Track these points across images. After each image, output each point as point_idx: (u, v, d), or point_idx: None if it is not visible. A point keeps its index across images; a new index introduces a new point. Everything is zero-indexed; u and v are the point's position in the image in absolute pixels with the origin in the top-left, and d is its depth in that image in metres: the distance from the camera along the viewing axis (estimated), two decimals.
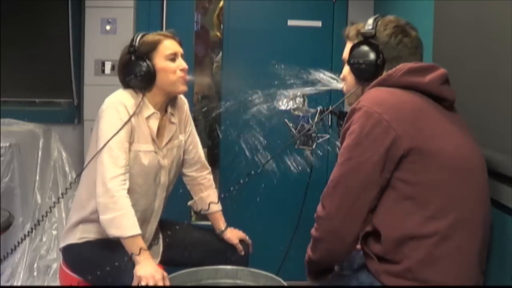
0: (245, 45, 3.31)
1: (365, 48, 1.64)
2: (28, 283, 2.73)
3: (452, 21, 2.04)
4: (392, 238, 1.50)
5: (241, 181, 1.88)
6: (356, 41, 1.67)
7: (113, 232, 1.85)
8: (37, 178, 2.87)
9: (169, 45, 1.97)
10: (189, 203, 2.26)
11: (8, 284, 2.68)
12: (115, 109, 1.90)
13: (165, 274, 1.84)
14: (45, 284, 2.78)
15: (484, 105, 1.75)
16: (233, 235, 2.21)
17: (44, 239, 2.85)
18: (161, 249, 2.15)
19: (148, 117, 1.96)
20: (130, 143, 1.92)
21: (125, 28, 3.16)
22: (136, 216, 1.87)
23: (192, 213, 3.54)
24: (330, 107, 2.85)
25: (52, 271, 2.79)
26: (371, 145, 1.48)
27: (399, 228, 1.49)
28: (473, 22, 1.84)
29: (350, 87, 1.72)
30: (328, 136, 2.32)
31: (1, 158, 2.62)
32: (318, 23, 3.28)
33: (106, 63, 3.15)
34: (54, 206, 2.12)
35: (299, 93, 2.26)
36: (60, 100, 3.25)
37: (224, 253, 2.15)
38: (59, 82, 3.20)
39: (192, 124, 2.21)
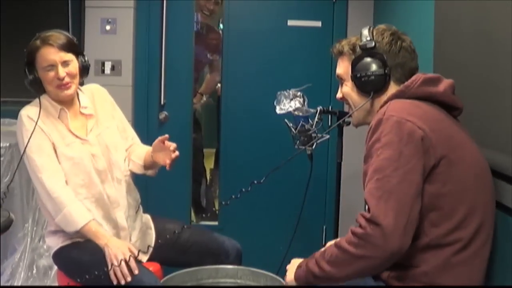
0: (245, 45, 3.31)
1: (369, 59, 1.61)
2: (28, 283, 2.73)
3: (452, 21, 2.04)
4: (415, 247, 1.48)
5: (244, 190, 1.88)
6: (354, 55, 1.64)
7: (69, 229, 1.97)
8: None
9: (45, 55, 1.97)
10: (129, 167, 2.20)
11: (8, 284, 2.68)
12: (21, 123, 2.00)
13: (130, 245, 1.99)
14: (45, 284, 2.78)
15: (484, 105, 1.75)
16: (154, 146, 2.12)
17: (44, 239, 2.84)
18: (152, 243, 2.18)
19: (59, 116, 2.04)
20: (53, 144, 2.00)
21: (125, 28, 3.17)
22: (93, 205, 2.02)
23: (192, 213, 3.55)
24: (330, 107, 2.86)
25: (52, 272, 2.78)
26: (413, 153, 1.43)
27: (424, 239, 1.48)
28: (473, 22, 1.84)
29: (357, 103, 1.67)
30: (328, 136, 2.32)
31: (1, 158, 2.62)
32: (318, 23, 3.29)
33: (106, 63, 3.15)
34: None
35: (299, 93, 2.25)
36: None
37: (218, 255, 2.16)
38: None
39: (119, 110, 2.23)
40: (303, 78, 2.51)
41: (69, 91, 2.02)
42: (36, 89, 2.03)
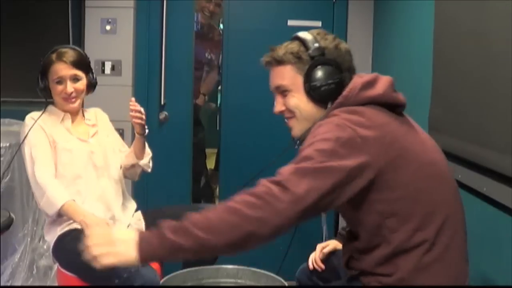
0: (245, 45, 3.31)
1: (325, 67, 1.50)
2: (28, 283, 2.73)
3: (452, 21, 2.04)
4: (381, 256, 1.45)
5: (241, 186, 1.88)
6: (303, 64, 1.52)
7: (50, 211, 2.05)
8: None
9: (56, 70, 2.13)
10: (124, 163, 2.31)
11: (8, 284, 2.68)
12: (24, 124, 2.17)
13: (106, 220, 2.06)
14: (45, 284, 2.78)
15: (484, 104, 1.75)
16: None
17: (44, 239, 2.84)
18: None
19: (62, 121, 2.20)
20: (54, 141, 2.13)
21: (125, 28, 3.17)
22: (92, 199, 2.12)
23: None
24: None
25: (52, 272, 2.78)
26: (345, 156, 1.35)
27: (387, 247, 1.44)
28: (473, 22, 1.84)
29: (309, 115, 1.55)
30: None
31: (1, 158, 2.62)
32: (318, 23, 3.28)
33: (106, 63, 3.15)
34: None
35: None
36: None
37: None
38: None
39: (116, 133, 2.39)
40: None
41: (74, 105, 2.17)
42: (45, 96, 2.19)
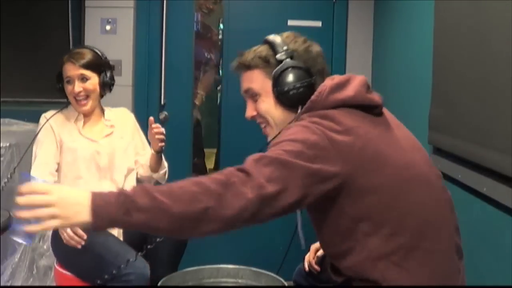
0: (245, 45, 3.30)
1: (294, 71, 1.46)
2: (28, 283, 2.73)
3: (452, 21, 2.04)
4: (359, 261, 1.39)
5: None
6: (270, 68, 1.48)
7: None
8: None
9: (66, 70, 2.17)
10: (138, 177, 2.33)
11: (8, 284, 2.68)
12: (39, 123, 2.22)
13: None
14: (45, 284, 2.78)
15: (484, 104, 1.75)
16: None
17: (44, 239, 2.85)
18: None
19: (75, 121, 2.23)
20: (61, 145, 2.16)
21: (125, 28, 3.17)
22: None
23: None
24: None
25: (52, 272, 2.78)
26: (312, 158, 1.30)
27: (362, 251, 1.38)
28: (473, 23, 1.84)
29: (280, 120, 1.51)
30: None
31: (1, 158, 2.62)
32: (318, 23, 3.29)
33: None
34: None
35: None
36: (60, 100, 3.24)
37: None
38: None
39: (141, 134, 2.37)
40: None
41: (85, 108, 2.20)
42: (62, 96, 2.24)
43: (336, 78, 1.46)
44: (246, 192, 1.25)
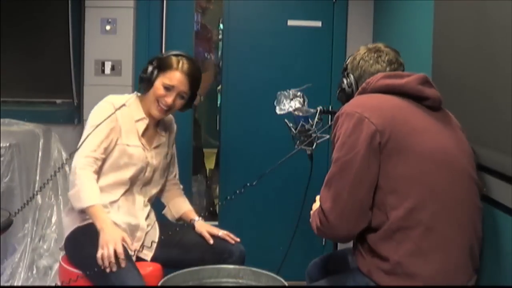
0: (245, 45, 3.31)
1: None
2: (28, 283, 2.73)
3: (452, 21, 2.04)
4: (379, 232, 1.56)
5: (238, 192, 1.90)
6: None
7: (76, 204, 2.01)
8: (37, 178, 2.87)
9: (172, 77, 2.09)
10: (163, 212, 2.34)
11: (8, 284, 2.68)
12: (102, 106, 2.11)
13: (125, 235, 1.95)
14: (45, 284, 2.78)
15: (484, 104, 1.75)
16: (201, 226, 2.23)
17: (44, 239, 2.85)
18: (156, 238, 2.18)
19: (137, 120, 2.14)
20: (117, 138, 2.08)
21: (125, 28, 3.17)
22: (120, 205, 2.08)
23: None
24: (330, 107, 2.86)
25: (52, 272, 2.78)
26: (354, 142, 1.56)
27: (385, 222, 1.55)
28: (473, 22, 1.84)
29: None
30: (328, 136, 2.32)
31: (1, 158, 2.62)
32: (318, 23, 3.29)
33: (106, 63, 3.15)
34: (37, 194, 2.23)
35: (299, 93, 2.25)
36: (60, 100, 3.25)
37: (221, 254, 2.15)
38: (59, 82, 3.20)
39: (175, 148, 2.36)
40: (303, 78, 2.50)
41: (161, 115, 2.14)
42: (143, 86, 2.12)
43: (396, 72, 1.75)
44: (326, 231, 1.65)
